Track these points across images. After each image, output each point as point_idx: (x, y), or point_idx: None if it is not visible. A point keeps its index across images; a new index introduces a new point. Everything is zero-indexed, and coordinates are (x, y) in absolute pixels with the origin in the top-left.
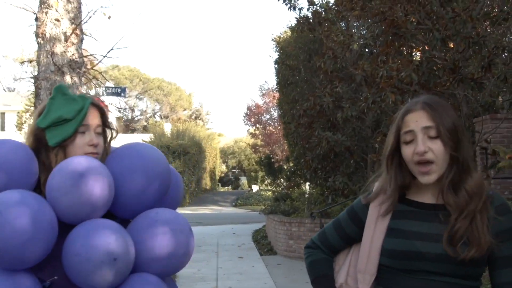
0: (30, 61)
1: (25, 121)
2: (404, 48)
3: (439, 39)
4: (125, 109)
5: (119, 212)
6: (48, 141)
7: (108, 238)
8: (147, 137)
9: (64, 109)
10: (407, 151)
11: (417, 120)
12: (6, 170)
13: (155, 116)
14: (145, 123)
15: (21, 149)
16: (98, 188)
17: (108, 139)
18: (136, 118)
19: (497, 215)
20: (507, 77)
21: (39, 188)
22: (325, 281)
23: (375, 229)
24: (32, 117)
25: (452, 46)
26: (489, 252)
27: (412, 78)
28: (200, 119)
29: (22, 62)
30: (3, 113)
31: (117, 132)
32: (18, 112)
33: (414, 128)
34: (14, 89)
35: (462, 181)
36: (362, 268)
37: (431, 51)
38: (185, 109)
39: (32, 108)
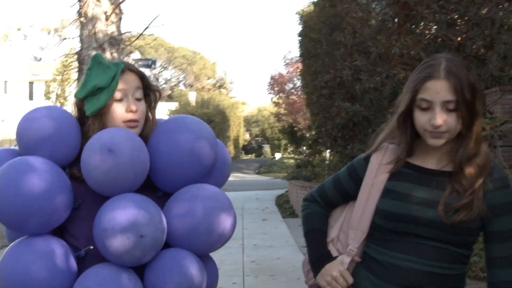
0: (56, 31)
1: (53, 91)
2: (414, 27)
3: (444, 21)
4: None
5: (161, 185)
6: (86, 111)
7: (135, 214)
8: (172, 105)
9: (99, 78)
10: (421, 118)
11: (438, 92)
12: (52, 139)
13: (180, 85)
14: (170, 92)
15: (67, 118)
16: (127, 164)
17: (153, 104)
18: (160, 87)
19: (494, 188)
20: (507, 56)
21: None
22: (317, 234)
23: (371, 188)
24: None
25: (457, 27)
26: (482, 223)
27: (421, 56)
28: (224, 88)
29: (49, 32)
30: (31, 82)
31: (160, 94)
32: (46, 82)
33: (433, 99)
34: (41, 58)
35: (474, 155)
36: (354, 225)
37: (438, 31)
38: (209, 78)
39: (60, 78)
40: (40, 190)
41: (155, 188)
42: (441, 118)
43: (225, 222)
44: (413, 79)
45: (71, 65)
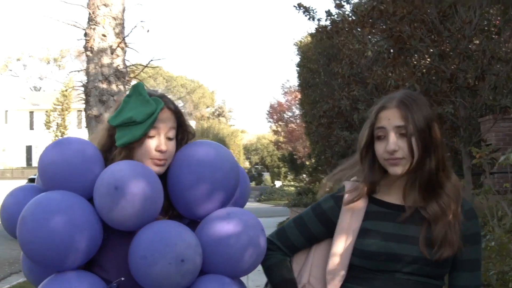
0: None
1: (53, 120)
2: (408, 59)
3: (437, 54)
4: None
5: (187, 214)
6: (116, 141)
7: (173, 240)
8: None
9: (136, 110)
10: (379, 147)
11: (390, 118)
12: (69, 171)
13: None
14: None
15: (87, 150)
16: (138, 198)
17: (184, 143)
18: None
19: (465, 219)
20: (497, 86)
21: None
22: (287, 285)
23: (347, 229)
24: (107, 113)
25: (449, 59)
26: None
27: (415, 88)
28: (223, 116)
29: (48, 62)
30: (32, 112)
31: (193, 136)
32: (46, 111)
33: (386, 125)
34: (40, 88)
35: (441, 185)
36: (332, 269)
37: (431, 64)
38: (208, 106)
39: (60, 107)
40: (72, 226)
41: (179, 215)
42: (394, 143)
43: (259, 242)
44: (370, 116)
45: (70, 95)
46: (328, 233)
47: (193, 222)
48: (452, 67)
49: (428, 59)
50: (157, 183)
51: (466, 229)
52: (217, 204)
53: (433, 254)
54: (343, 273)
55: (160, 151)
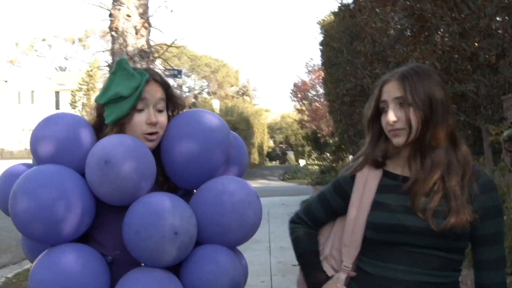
0: (80, 40)
1: (78, 99)
2: (429, 38)
3: (457, 32)
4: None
5: (181, 183)
6: (105, 119)
7: (166, 213)
8: None
9: (122, 86)
10: (383, 120)
11: (390, 91)
12: (60, 146)
13: (203, 92)
14: (193, 100)
15: (79, 125)
16: (129, 172)
17: (175, 114)
18: (184, 95)
19: (480, 192)
20: None
21: None
22: (310, 256)
23: (360, 203)
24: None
25: (470, 37)
26: (471, 228)
27: (436, 66)
28: (247, 95)
29: (73, 42)
30: (57, 92)
31: (183, 108)
32: (72, 91)
33: (387, 98)
34: (66, 68)
35: (453, 153)
36: (347, 242)
37: (452, 42)
38: (232, 85)
39: (85, 87)
40: (63, 199)
41: (175, 187)
42: (393, 114)
43: (254, 213)
44: (375, 91)
45: (96, 75)
46: (346, 206)
47: (188, 193)
48: (473, 45)
49: (449, 37)
50: (149, 156)
51: (483, 203)
52: (209, 171)
53: (439, 224)
54: (357, 246)
55: (151, 123)
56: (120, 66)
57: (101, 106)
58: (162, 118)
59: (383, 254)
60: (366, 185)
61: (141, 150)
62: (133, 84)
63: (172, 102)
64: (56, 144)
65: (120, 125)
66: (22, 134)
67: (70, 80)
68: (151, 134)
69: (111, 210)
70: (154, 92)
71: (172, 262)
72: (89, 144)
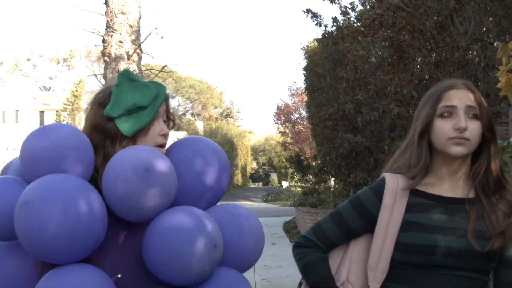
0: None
1: (63, 119)
2: (406, 67)
3: (432, 63)
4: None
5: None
6: (123, 131)
7: (206, 221)
8: (180, 135)
9: (137, 96)
10: (444, 126)
11: (462, 97)
12: (61, 157)
13: (187, 114)
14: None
15: (79, 136)
16: (168, 181)
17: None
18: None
19: (510, 212)
20: (489, 94)
21: (94, 181)
22: (328, 283)
23: (389, 222)
24: (89, 108)
25: (444, 68)
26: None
27: (413, 94)
28: (231, 117)
29: (58, 62)
30: (42, 112)
31: (177, 120)
32: (57, 111)
33: (457, 104)
34: (50, 87)
35: (501, 186)
36: (373, 265)
37: (428, 72)
38: (216, 107)
39: (70, 107)
40: (91, 214)
41: None
42: (465, 121)
43: (262, 237)
44: (431, 93)
45: (80, 95)
46: (368, 227)
47: None
48: (448, 75)
49: (425, 68)
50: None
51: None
52: (221, 192)
53: (483, 245)
54: (385, 269)
55: (164, 135)
56: (126, 77)
57: (108, 119)
58: (167, 129)
59: (415, 278)
60: (395, 204)
61: (166, 158)
62: (150, 93)
63: (168, 116)
64: (57, 154)
65: (135, 137)
66: (5, 154)
67: (55, 100)
68: (162, 146)
69: (110, 233)
70: (163, 104)
71: (199, 279)
72: (92, 154)
